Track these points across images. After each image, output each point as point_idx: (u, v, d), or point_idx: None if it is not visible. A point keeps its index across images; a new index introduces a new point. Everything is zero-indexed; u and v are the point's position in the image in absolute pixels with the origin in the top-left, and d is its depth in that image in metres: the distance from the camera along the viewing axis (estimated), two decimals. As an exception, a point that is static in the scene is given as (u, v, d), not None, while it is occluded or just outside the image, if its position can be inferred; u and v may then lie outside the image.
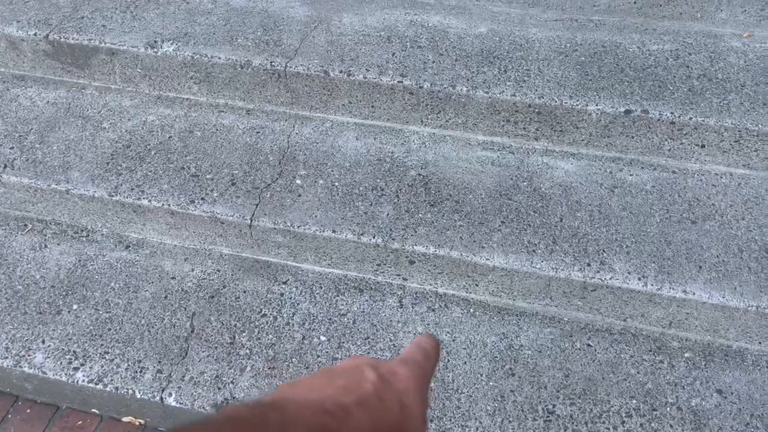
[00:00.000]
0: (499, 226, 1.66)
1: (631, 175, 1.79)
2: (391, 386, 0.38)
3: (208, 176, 1.80)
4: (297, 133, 1.93)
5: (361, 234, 1.64)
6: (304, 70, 1.89)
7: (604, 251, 1.59)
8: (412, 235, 1.64)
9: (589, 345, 1.61)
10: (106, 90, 2.09)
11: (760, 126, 1.68)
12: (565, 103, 1.77)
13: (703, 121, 1.71)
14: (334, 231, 1.65)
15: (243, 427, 0.29)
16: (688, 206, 1.69)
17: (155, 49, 1.96)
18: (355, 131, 1.94)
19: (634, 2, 1.99)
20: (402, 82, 1.85)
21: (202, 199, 1.74)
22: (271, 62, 1.91)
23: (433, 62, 1.91)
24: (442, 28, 2.05)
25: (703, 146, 1.76)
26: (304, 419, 0.31)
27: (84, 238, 1.88)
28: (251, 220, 1.69)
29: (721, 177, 1.77)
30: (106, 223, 1.87)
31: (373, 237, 1.64)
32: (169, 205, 1.73)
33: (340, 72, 1.87)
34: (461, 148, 1.89)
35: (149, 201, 1.74)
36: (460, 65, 1.90)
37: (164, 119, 1.98)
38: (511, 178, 1.79)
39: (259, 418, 0.30)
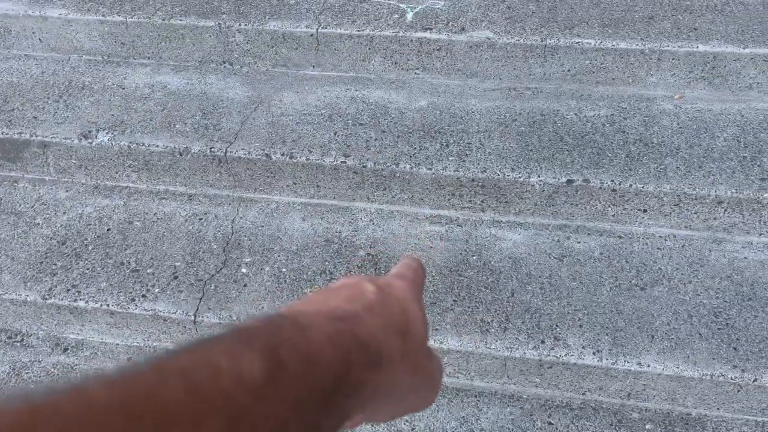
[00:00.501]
0: (452, 305, 1.63)
1: (578, 242, 1.80)
2: (391, 295, 0.39)
3: (149, 270, 1.73)
4: (241, 217, 1.89)
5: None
6: (245, 154, 1.86)
7: (557, 326, 1.58)
8: (363, 322, 1.59)
9: (550, 423, 1.58)
10: (41, 182, 2.02)
11: (697, 190, 1.72)
12: (508, 175, 1.78)
13: (643, 187, 1.74)
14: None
15: (256, 336, 0.29)
16: (636, 272, 1.70)
17: (90, 140, 1.91)
18: (302, 211, 1.91)
19: (568, 70, 2.04)
20: (345, 162, 1.84)
21: (143, 296, 1.67)
22: (210, 148, 1.87)
23: (376, 140, 1.91)
24: (383, 104, 2.05)
25: (645, 210, 1.78)
26: (319, 325, 0.32)
27: (18, 344, 1.78)
28: (195, 316, 1.62)
29: (665, 239, 1.79)
30: (41, 326, 1.77)
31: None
32: (108, 305, 1.65)
33: (282, 155, 1.85)
34: (409, 223, 1.87)
35: (86, 302, 1.66)
36: (403, 142, 1.90)
37: (102, 210, 1.91)
38: (461, 253, 1.77)
39: (273, 327, 0.30)
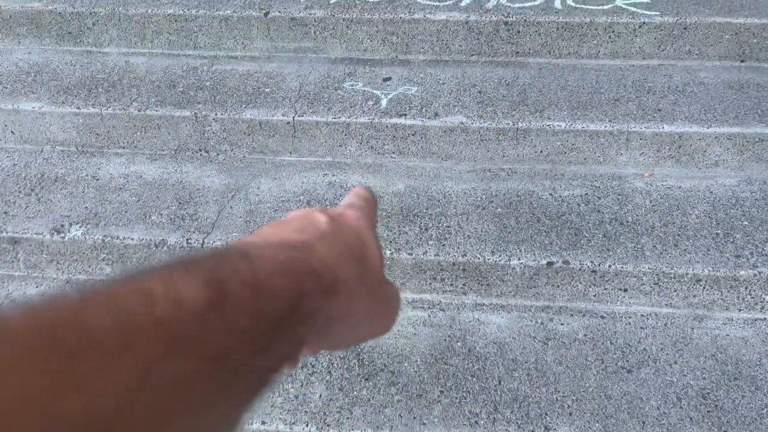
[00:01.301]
0: (438, 396, 1.59)
1: (562, 324, 1.79)
2: (344, 224, 0.39)
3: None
4: (219, 309, 1.84)
5: (293, 423, 1.53)
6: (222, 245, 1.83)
7: (546, 414, 1.54)
8: (348, 418, 1.54)
9: None
10: (9, 278, 1.95)
11: (675, 268, 1.74)
12: (488, 259, 1.78)
13: (622, 267, 1.75)
14: (263, 422, 1.53)
15: (199, 265, 0.27)
16: (622, 353, 1.69)
17: (62, 234, 1.87)
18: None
19: (541, 151, 2.09)
20: (325, 249, 1.82)
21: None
22: (187, 239, 1.85)
23: (355, 224, 1.90)
24: (361, 188, 2.06)
25: (625, 290, 1.79)
26: (269, 255, 0.31)
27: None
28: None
29: (648, 318, 1.79)
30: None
31: (306, 425, 1.53)
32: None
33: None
34: (391, 310, 1.84)
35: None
36: (382, 226, 1.90)
37: (74, 306, 1.85)
38: (445, 339, 1.74)
39: (218, 257, 0.29)
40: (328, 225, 0.37)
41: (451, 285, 1.84)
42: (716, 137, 1.98)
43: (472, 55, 2.33)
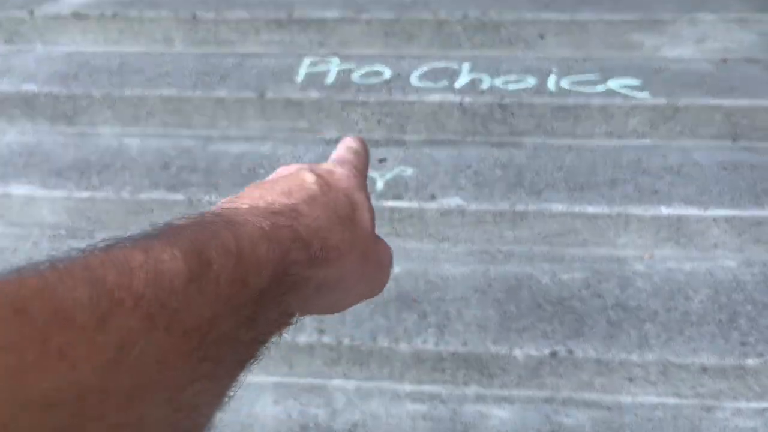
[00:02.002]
0: (441, 500, 1.51)
1: (567, 416, 1.72)
2: (333, 184, 0.37)
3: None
4: (210, 403, 1.76)
5: None
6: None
7: None
8: None
9: None
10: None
11: (680, 358, 1.69)
12: (490, 349, 1.74)
13: (627, 356, 1.71)
14: None
15: (180, 234, 0.26)
16: (631, 449, 1.62)
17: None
18: (273, 393, 1.80)
19: (539, 233, 2.07)
20: (321, 339, 1.77)
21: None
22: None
23: (351, 312, 1.86)
24: (357, 272, 2.02)
25: (631, 380, 1.74)
26: (254, 223, 0.30)
27: None
28: None
29: (655, 409, 1.73)
30: None
31: None
32: None
33: (255, 334, 1.77)
34: (390, 402, 1.78)
35: None
36: (379, 314, 1.85)
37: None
38: (446, 435, 1.67)
39: (201, 225, 0.28)
40: (316, 186, 0.36)
41: (452, 376, 1.79)
42: (714, 220, 1.97)
43: (467, 136, 2.34)
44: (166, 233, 0.27)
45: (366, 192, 0.40)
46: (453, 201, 2.08)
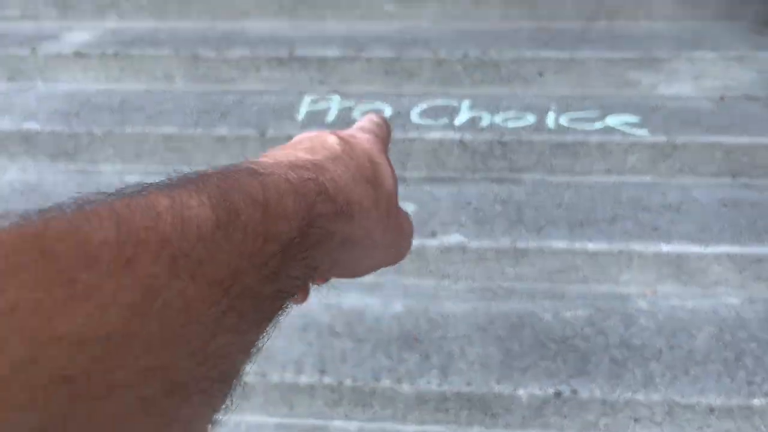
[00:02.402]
0: None
1: (572, 458, 1.69)
2: (356, 146, 0.37)
3: None
4: (209, 446, 1.73)
5: None
6: (215, 376, 1.75)
7: None
8: None
9: None
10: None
11: (686, 398, 1.67)
12: (494, 389, 1.71)
13: (632, 396, 1.68)
14: None
15: (207, 181, 0.26)
16: (639, 493, 1.59)
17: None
18: (275, 435, 1.77)
19: (541, 270, 2.06)
20: (322, 380, 1.75)
21: None
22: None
23: (353, 351, 1.84)
24: (359, 310, 2.01)
25: (637, 420, 1.71)
26: (281, 173, 0.30)
27: None
28: None
29: (662, 451, 1.70)
30: None
31: None
32: None
33: (255, 374, 1.75)
34: (392, 444, 1.75)
35: None
36: (381, 353, 1.83)
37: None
38: (450, 478, 1.64)
39: (227, 174, 0.28)
40: (340, 146, 0.36)
41: (456, 416, 1.76)
42: (715, 257, 1.97)
43: (467, 172, 2.35)
44: (194, 180, 0.26)
45: (387, 157, 0.40)
46: (454, 238, 2.08)
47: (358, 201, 0.34)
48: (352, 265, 0.37)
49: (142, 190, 0.24)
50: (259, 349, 0.28)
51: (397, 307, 2.03)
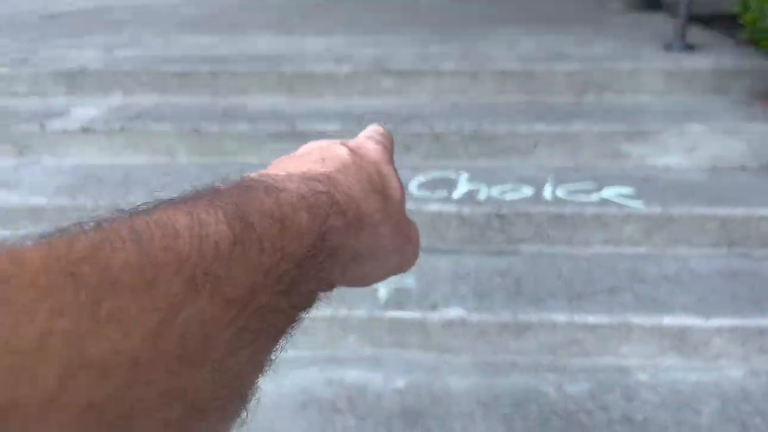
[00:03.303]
0: None
1: None
2: (365, 156, 0.37)
3: None
4: None
5: None
6: None
7: None
8: None
9: None
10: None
11: (695, 477, 1.65)
12: (499, 469, 1.69)
13: (640, 476, 1.66)
14: None
15: (223, 197, 0.26)
16: None
17: None
18: None
19: (542, 344, 2.06)
20: (324, 460, 1.72)
21: None
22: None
23: (355, 428, 1.82)
24: (360, 385, 1.99)
25: (645, 500, 1.68)
26: (293, 189, 0.30)
27: None
28: None
29: None
30: None
31: None
32: None
33: (256, 455, 1.72)
34: None
35: None
36: (383, 429, 1.81)
37: None
38: None
39: (242, 189, 0.28)
40: (349, 156, 0.36)
41: (460, 498, 1.72)
42: (716, 330, 1.98)
43: (465, 244, 2.38)
44: (210, 196, 0.26)
45: (394, 167, 0.40)
46: (455, 311, 2.08)
47: (369, 213, 0.35)
48: (362, 274, 0.37)
49: (160, 206, 0.25)
50: (272, 362, 0.28)
51: (399, 382, 2.02)
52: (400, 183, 0.40)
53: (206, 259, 0.23)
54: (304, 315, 0.30)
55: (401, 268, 0.40)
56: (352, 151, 0.38)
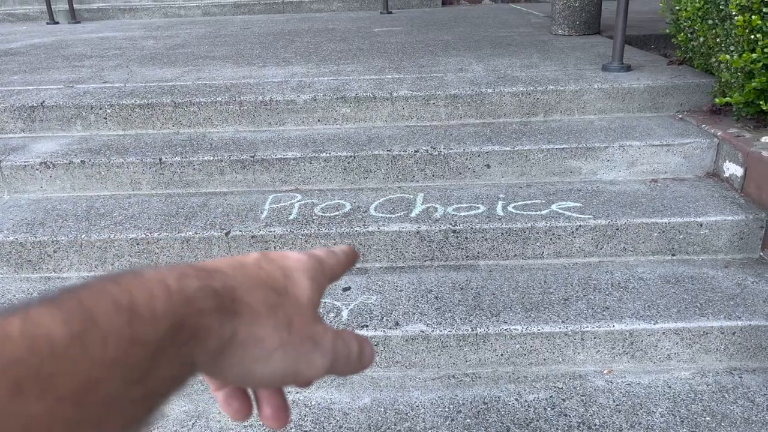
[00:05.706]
0: None
1: None
2: (275, 261, 0.39)
3: None
4: None
5: None
6: (183, 483, 1.73)
7: None
8: None
9: None
10: None
11: (649, 473, 1.72)
12: (463, 477, 1.73)
13: (597, 476, 1.73)
14: None
15: (71, 294, 0.27)
16: None
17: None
18: None
19: (501, 354, 2.13)
20: (292, 479, 1.74)
21: None
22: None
23: (322, 447, 1.85)
24: (326, 405, 2.03)
25: (603, 500, 1.75)
26: (161, 275, 0.31)
27: None
28: None
29: None
30: None
31: None
32: None
33: (224, 478, 1.74)
34: None
35: None
36: (350, 447, 1.85)
37: None
38: None
39: (100, 282, 0.29)
40: (252, 259, 0.39)
41: (427, 508, 1.76)
42: (664, 333, 2.08)
43: (425, 261, 2.46)
44: (54, 297, 0.27)
45: (315, 278, 0.41)
46: (417, 327, 2.14)
47: (248, 302, 0.35)
48: (247, 370, 0.35)
49: (7, 311, 0.25)
50: None
51: (365, 399, 2.06)
52: (311, 290, 0.40)
53: (38, 357, 0.24)
54: (165, 401, 0.30)
55: (301, 373, 0.38)
56: (264, 257, 0.40)
